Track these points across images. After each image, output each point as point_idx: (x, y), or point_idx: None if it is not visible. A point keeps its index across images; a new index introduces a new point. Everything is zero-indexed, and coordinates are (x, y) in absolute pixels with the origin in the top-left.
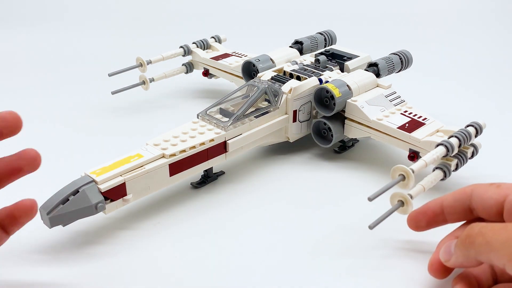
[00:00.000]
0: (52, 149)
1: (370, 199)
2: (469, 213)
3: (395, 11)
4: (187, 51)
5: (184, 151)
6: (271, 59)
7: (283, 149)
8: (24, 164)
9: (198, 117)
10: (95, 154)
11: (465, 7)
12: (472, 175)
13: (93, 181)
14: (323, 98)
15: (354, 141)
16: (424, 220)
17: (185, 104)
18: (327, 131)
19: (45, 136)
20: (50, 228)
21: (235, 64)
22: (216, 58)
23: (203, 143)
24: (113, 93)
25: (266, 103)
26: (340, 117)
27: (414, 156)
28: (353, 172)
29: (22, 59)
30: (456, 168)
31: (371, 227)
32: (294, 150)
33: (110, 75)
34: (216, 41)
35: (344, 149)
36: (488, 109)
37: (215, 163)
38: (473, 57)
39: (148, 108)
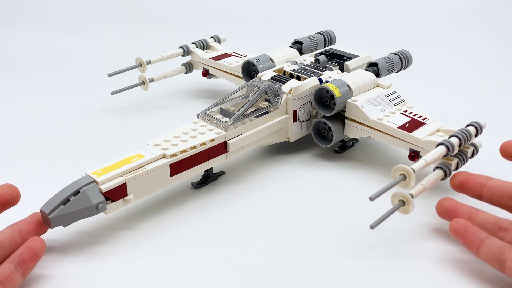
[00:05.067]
0: (52, 149)
1: (371, 199)
2: None
3: (393, 11)
4: (186, 51)
5: (184, 151)
6: (271, 59)
7: (283, 149)
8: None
9: (198, 117)
10: (95, 154)
11: (463, 6)
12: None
13: (94, 181)
14: (323, 98)
15: (354, 141)
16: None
17: (185, 105)
18: (327, 131)
19: (44, 136)
20: (51, 228)
21: (235, 64)
22: (216, 58)
23: (203, 143)
24: (112, 93)
25: (266, 103)
26: (340, 117)
27: (414, 155)
28: (354, 172)
29: (20, 59)
30: (457, 168)
31: (372, 226)
32: (294, 150)
33: (109, 75)
34: (215, 41)
35: (344, 149)
36: (487, 109)
37: (216, 163)
38: (472, 57)
39: (148, 109)
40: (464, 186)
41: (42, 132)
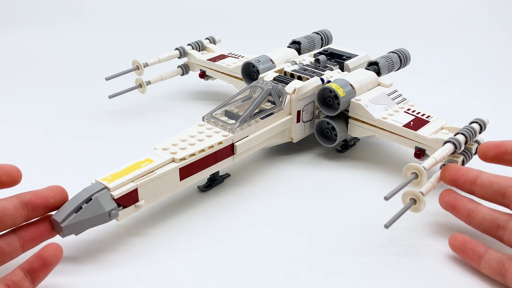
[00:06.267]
0: (52, 154)
1: (386, 199)
2: None
3: (385, 10)
4: (183, 53)
5: (193, 154)
6: (270, 59)
7: (286, 149)
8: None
9: (203, 120)
10: (97, 159)
11: (456, 5)
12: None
13: (106, 187)
14: (326, 98)
15: (355, 139)
16: (493, 152)
17: (183, 107)
18: (330, 130)
19: (44, 142)
20: (63, 237)
21: (233, 65)
22: (213, 59)
23: (211, 146)
24: (110, 97)
25: (269, 104)
26: (343, 117)
27: (420, 153)
28: (358, 171)
29: (17, 62)
30: (462, 165)
31: (387, 226)
32: (296, 150)
33: (107, 79)
34: (210, 42)
35: (346, 148)
36: (484, 106)
37: (223, 166)
38: (466, 56)
39: (146, 112)
40: (454, 183)
41: (41, 137)
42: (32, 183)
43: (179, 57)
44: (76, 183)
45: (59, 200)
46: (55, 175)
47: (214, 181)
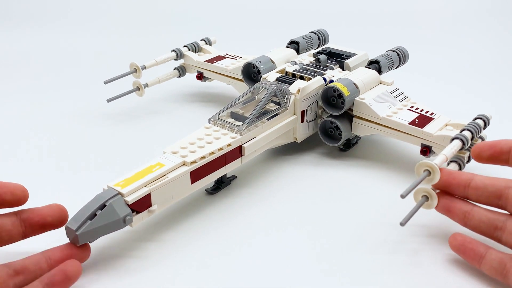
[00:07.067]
0: (54, 159)
1: (402, 196)
2: None
3: (378, 9)
4: (179, 55)
5: (204, 157)
6: (271, 60)
7: (288, 149)
8: None
9: (209, 122)
10: (99, 164)
11: (453, 4)
12: (482, 166)
13: (119, 193)
14: (329, 97)
15: (357, 138)
16: (488, 152)
17: (182, 109)
18: (334, 129)
19: (43, 145)
20: (78, 245)
21: (232, 66)
22: (211, 61)
23: (221, 148)
24: (108, 100)
25: (273, 105)
26: (347, 115)
27: (426, 150)
28: (361, 169)
29: (13, 64)
30: (468, 160)
31: (402, 223)
32: (299, 150)
33: (106, 82)
34: (206, 44)
35: (348, 146)
36: (484, 106)
37: (232, 168)
38: (465, 54)
39: (145, 114)
40: (446, 188)
41: (39, 141)
42: (34, 188)
43: (175, 59)
44: (79, 187)
45: (56, 218)
46: (57, 179)
47: (222, 184)
